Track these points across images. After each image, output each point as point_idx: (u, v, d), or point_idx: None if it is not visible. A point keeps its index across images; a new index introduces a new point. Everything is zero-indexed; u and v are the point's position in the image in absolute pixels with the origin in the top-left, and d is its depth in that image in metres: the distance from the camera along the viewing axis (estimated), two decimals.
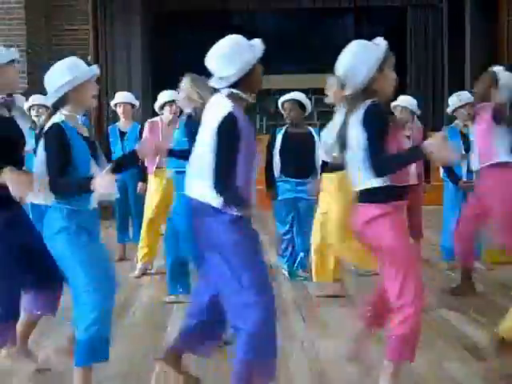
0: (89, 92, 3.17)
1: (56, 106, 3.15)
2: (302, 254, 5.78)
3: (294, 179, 5.70)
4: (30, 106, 6.39)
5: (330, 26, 14.78)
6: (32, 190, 3.00)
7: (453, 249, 5.97)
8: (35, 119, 6.39)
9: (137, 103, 6.85)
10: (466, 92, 6.32)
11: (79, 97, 3.14)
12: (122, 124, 6.69)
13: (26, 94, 6.91)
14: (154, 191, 6.05)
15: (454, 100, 5.98)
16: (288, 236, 5.85)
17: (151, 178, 6.08)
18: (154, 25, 13.18)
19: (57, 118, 3.11)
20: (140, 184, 6.38)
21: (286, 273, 5.82)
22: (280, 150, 5.74)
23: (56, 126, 3.07)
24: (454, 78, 12.26)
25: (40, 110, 6.39)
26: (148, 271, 6.06)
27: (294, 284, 5.56)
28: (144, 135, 6.07)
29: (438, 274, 5.88)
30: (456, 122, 6.05)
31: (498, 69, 4.92)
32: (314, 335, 4.16)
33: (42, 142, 3.11)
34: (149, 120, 6.19)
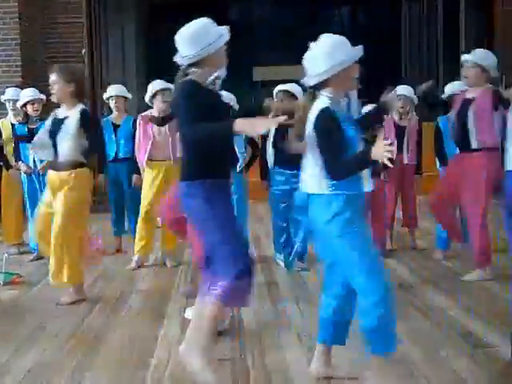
0: (352, 74, 3.05)
1: (317, 89, 3.02)
2: (297, 245, 5.78)
3: (288, 170, 5.68)
4: (27, 102, 6.35)
5: (327, 17, 14.77)
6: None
7: (447, 238, 6.02)
8: (33, 114, 6.37)
9: (129, 96, 6.84)
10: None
11: (342, 80, 3.02)
12: (115, 117, 6.68)
13: (19, 88, 6.90)
14: (148, 183, 6.02)
15: (449, 89, 5.97)
16: (284, 227, 5.85)
17: (146, 169, 6.06)
18: (148, 16, 13.17)
19: (323, 102, 2.99)
20: (135, 176, 6.37)
21: (283, 264, 5.83)
22: (273, 141, 5.72)
23: (327, 110, 2.95)
24: (448, 68, 12.25)
25: (36, 105, 6.37)
26: (145, 264, 6.06)
27: (291, 275, 5.57)
28: (137, 129, 6.07)
29: (434, 263, 5.90)
30: (451, 111, 6.04)
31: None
32: (310, 327, 4.16)
33: (312, 131, 2.98)
34: (141, 114, 6.15)
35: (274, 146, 5.71)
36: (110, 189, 6.76)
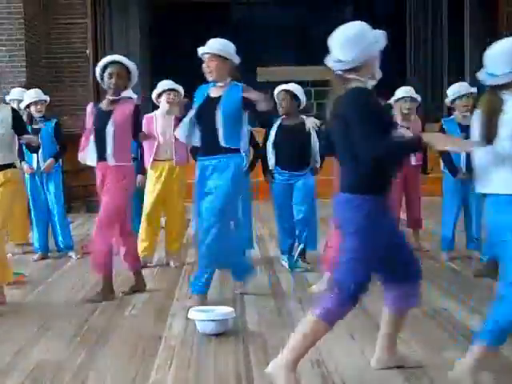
0: None
1: (499, 88, 2.97)
2: (301, 245, 5.80)
3: (288, 171, 5.70)
4: (31, 103, 6.35)
5: (330, 17, 14.72)
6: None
7: (452, 239, 6.01)
8: (36, 115, 6.36)
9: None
10: (465, 83, 6.31)
11: None
12: None
13: (25, 88, 6.90)
14: (152, 184, 6.03)
15: (453, 91, 5.97)
16: (288, 227, 5.84)
17: (149, 170, 6.07)
18: (153, 16, 13.16)
19: None
20: (139, 177, 6.35)
21: (286, 264, 5.82)
22: (274, 142, 5.72)
23: None
24: (453, 67, 12.25)
25: (39, 107, 6.36)
26: (148, 264, 6.05)
27: (294, 275, 5.56)
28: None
29: (438, 264, 5.89)
30: (455, 113, 6.02)
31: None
32: None
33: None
34: (145, 115, 6.13)
35: (275, 146, 5.71)
36: None
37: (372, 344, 3.54)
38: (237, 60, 4.59)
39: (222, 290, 5.13)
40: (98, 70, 4.86)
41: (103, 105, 4.92)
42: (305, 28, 14.40)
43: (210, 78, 4.58)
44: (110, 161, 4.85)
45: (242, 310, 4.55)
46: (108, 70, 4.83)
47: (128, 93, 4.95)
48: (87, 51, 11.81)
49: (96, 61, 11.97)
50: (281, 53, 14.06)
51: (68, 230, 6.65)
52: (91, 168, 10.26)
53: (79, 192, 10.49)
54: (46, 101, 6.48)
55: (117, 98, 4.86)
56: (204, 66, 4.56)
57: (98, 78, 4.90)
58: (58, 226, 6.51)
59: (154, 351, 3.74)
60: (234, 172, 4.55)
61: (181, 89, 6.17)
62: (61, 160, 6.62)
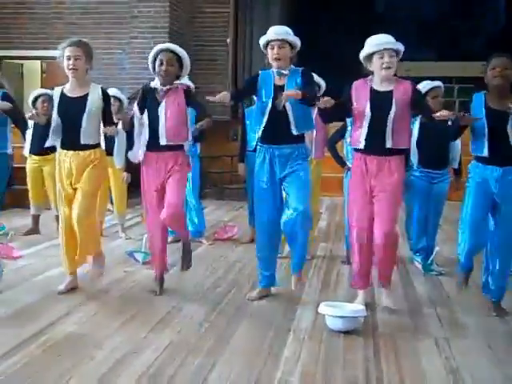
0: None
1: None
2: (437, 248, 5.59)
3: (431, 170, 5.50)
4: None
5: (477, 11, 14.05)
6: None
7: None
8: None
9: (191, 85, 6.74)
10: None
11: None
12: None
13: None
14: None
15: None
16: (421, 228, 5.64)
17: None
18: (294, 9, 13.16)
19: None
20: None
21: (420, 266, 5.62)
22: (417, 141, 5.51)
23: None
24: None
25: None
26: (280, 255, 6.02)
27: (428, 279, 5.36)
28: None
29: None
30: None
31: None
32: (448, 334, 3.97)
33: None
34: None
35: (418, 146, 5.48)
36: (249, 179, 6.79)
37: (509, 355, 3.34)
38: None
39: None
40: (149, 58, 4.62)
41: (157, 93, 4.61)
42: (449, 22, 13.85)
43: None
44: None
45: (373, 309, 4.43)
46: (159, 57, 4.58)
47: (184, 80, 4.81)
48: (228, 40, 12.01)
49: (235, 50, 12.21)
50: (422, 47, 13.61)
51: (202, 215, 6.76)
52: (226, 155, 10.44)
53: (213, 178, 10.71)
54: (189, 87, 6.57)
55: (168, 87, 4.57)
56: None
57: (150, 67, 4.63)
58: (192, 212, 6.63)
59: (283, 343, 3.72)
60: None
61: (322, 83, 6.06)
62: (198, 146, 6.72)
